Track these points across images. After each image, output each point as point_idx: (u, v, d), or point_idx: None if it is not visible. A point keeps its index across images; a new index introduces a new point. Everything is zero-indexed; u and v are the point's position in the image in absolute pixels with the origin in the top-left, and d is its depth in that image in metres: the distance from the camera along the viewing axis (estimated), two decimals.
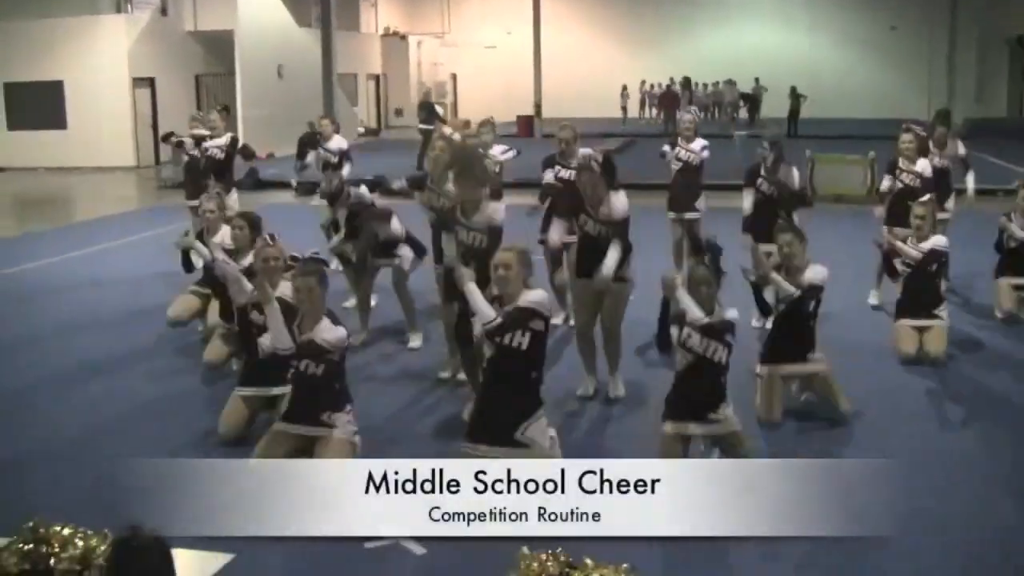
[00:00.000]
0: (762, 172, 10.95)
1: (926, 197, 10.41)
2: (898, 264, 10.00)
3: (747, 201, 11.08)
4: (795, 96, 39.73)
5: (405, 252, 10.61)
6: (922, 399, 9.08)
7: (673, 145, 12.46)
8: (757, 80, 44.33)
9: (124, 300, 13.09)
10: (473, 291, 6.99)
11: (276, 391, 7.77)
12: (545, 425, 7.02)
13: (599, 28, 50.26)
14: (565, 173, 10.69)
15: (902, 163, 11.77)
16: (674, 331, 7.05)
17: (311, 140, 15.86)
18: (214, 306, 10.01)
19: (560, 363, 9.79)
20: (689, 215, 12.33)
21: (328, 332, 7.05)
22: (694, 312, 6.94)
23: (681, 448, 7.07)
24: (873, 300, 11.91)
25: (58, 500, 6.91)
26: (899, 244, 9.96)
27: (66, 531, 5.39)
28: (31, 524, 5.39)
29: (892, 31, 47.28)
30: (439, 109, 27.50)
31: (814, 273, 8.24)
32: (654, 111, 45.42)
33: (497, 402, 6.92)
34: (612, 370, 9.03)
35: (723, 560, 6.27)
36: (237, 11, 33.03)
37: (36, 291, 13.85)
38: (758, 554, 6.27)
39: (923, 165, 11.68)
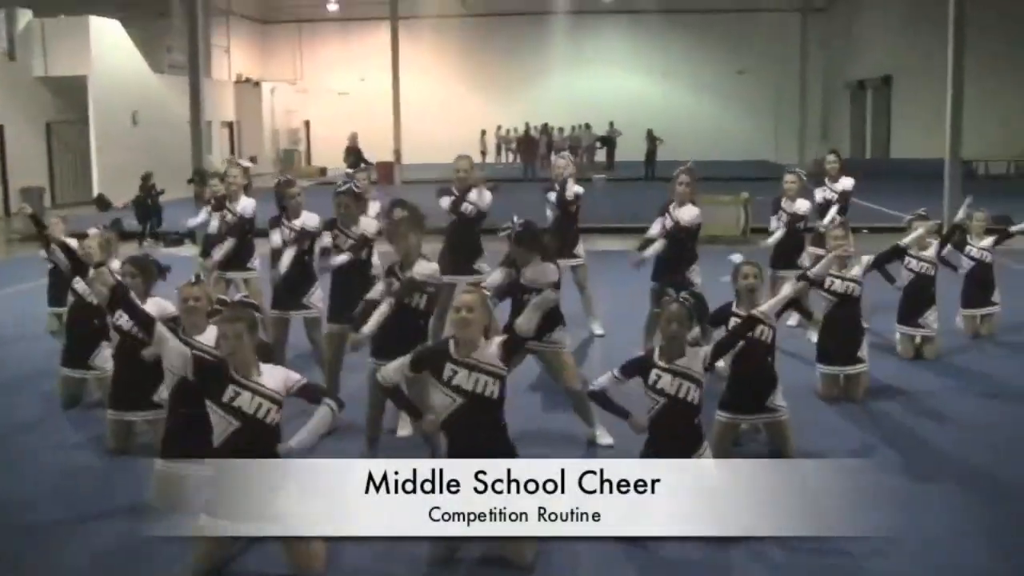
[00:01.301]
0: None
1: (839, 219, 10.60)
2: (818, 297, 9.94)
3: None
4: (652, 139, 40.55)
5: (316, 297, 9.96)
6: (854, 432, 9.06)
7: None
8: (611, 124, 45.12)
9: None
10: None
11: None
12: None
13: (454, 74, 50.56)
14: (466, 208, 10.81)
15: (784, 203, 12.05)
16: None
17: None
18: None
19: None
20: (572, 262, 12.03)
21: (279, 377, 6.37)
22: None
23: None
24: (792, 321, 11.98)
25: None
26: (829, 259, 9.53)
27: None
28: None
29: (739, 75, 48.65)
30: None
31: (768, 307, 8.15)
32: (510, 156, 45.73)
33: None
34: (589, 424, 8.63)
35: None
36: (90, 56, 32.29)
37: None
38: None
39: (802, 204, 11.98)
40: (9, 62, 31.58)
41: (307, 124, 51.02)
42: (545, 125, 46.28)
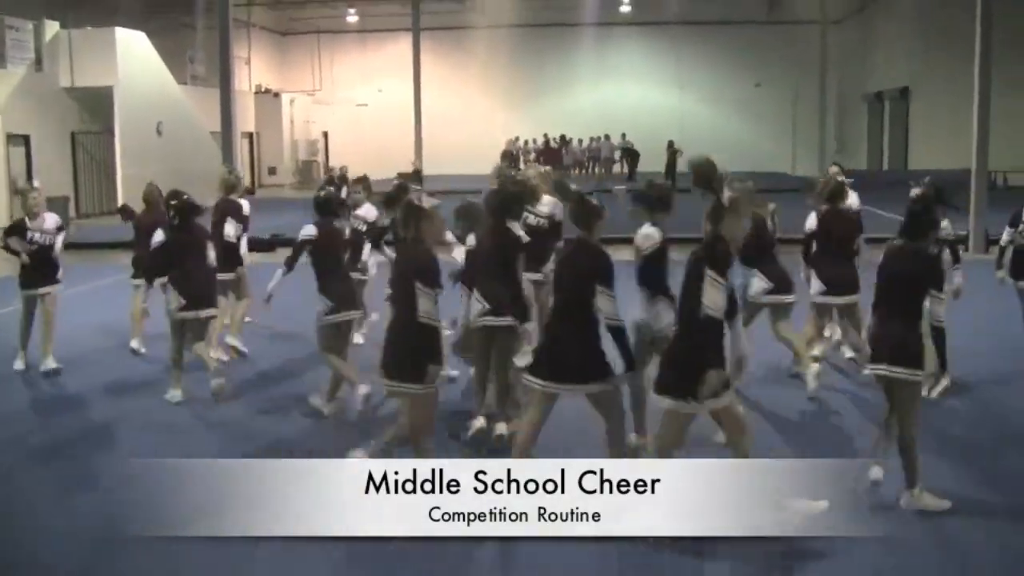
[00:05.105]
0: None
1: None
2: None
3: None
4: (672, 150, 40.56)
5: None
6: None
7: None
8: (624, 136, 45.35)
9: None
10: None
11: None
12: None
13: (472, 86, 50.70)
14: (534, 220, 10.16)
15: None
16: None
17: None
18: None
19: None
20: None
21: None
22: None
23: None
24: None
25: None
26: None
27: None
28: None
29: (757, 88, 48.70)
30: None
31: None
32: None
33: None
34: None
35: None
36: (116, 67, 32.55)
37: None
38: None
39: (854, 199, 11.80)
40: (36, 73, 31.84)
41: (325, 135, 51.29)
42: (563, 136, 46.60)
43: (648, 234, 7.96)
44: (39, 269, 11.61)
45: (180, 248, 10.46)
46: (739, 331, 7.16)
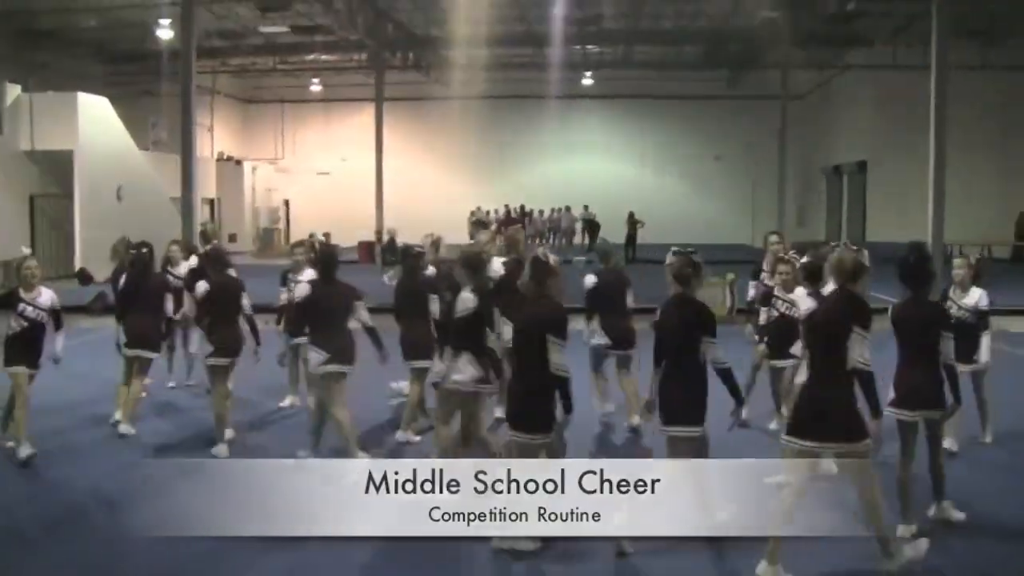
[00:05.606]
0: None
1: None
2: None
3: None
4: (632, 222, 40.83)
5: None
6: None
7: None
8: (586, 207, 45.60)
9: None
10: None
11: None
12: None
13: (435, 156, 50.90)
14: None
15: (777, 291, 11.23)
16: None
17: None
18: None
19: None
20: None
21: None
22: None
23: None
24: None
25: None
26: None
27: None
28: None
29: (717, 161, 49.29)
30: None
31: None
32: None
33: None
34: None
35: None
36: (78, 131, 32.43)
37: None
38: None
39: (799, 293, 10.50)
40: None
41: (287, 203, 51.27)
42: (522, 207, 46.89)
43: (465, 298, 8.37)
44: (28, 347, 10.46)
45: (136, 291, 11.62)
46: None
